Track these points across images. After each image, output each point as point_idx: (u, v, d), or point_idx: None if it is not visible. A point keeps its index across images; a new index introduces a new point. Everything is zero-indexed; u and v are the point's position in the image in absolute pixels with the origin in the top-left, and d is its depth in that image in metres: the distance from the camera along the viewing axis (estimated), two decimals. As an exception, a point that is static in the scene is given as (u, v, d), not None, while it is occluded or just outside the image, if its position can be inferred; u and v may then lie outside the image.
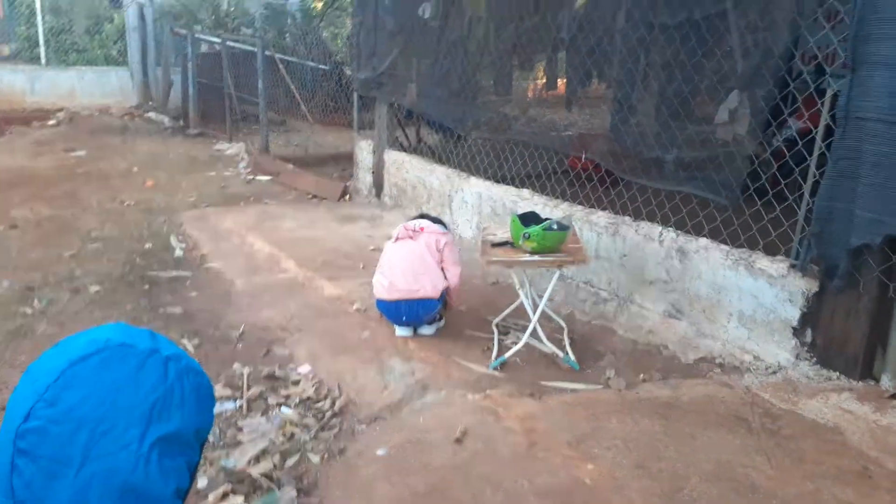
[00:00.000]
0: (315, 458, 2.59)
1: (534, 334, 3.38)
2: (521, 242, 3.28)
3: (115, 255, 4.91)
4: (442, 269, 3.55)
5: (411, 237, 3.62)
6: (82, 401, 0.73)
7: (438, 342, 3.54)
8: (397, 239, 3.68)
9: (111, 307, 3.98)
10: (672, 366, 3.34)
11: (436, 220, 3.81)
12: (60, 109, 12.14)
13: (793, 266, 3.23)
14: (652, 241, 3.85)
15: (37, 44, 13.23)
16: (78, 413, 0.72)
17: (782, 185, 3.51)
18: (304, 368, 3.31)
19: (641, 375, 3.22)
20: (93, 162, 8.21)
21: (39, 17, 13.13)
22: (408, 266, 3.51)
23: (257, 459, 2.57)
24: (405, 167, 6.22)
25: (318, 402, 3.03)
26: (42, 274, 4.47)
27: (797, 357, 3.22)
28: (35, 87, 12.67)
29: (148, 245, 5.15)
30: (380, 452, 2.61)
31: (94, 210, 6.12)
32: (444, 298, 3.56)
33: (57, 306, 3.97)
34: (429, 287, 3.45)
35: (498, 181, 5.18)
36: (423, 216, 3.88)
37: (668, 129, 3.90)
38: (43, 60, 13.15)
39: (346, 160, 8.15)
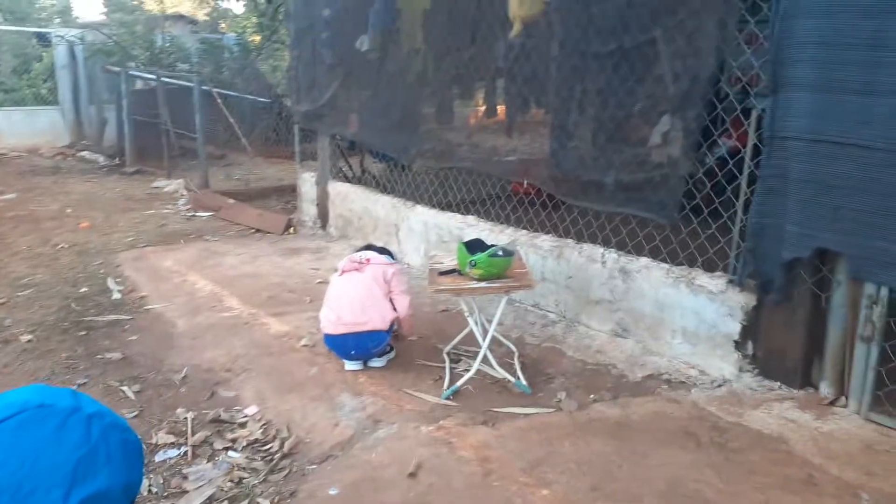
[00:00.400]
0: (265, 503, 2.50)
1: (485, 360, 3.37)
2: (467, 270, 3.28)
3: (48, 301, 4.70)
4: (391, 300, 3.52)
5: (357, 269, 3.59)
6: (1, 465, 0.70)
7: (389, 374, 3.50)
8: (343, 272, 3.64)
9: (45, 356, 3.80)
10: (621, 384, 3.37)
11: (383, 251, 3.80)
12: (-14, 151, 11.68)
13: (731, 281, 3.32)
14: (595, 262, 3.92)
15: (-39, 84, 12.74)
16: None
17: (716, 204, 3.63)
18: (251, 410, 3.21)
19: (592, 396, 3.24)
20: (22, 204, 7.90)
21: (-37, 57, 12.66)
22: (355, 298, 3.47)
23: (204, 508, 2.47)
24: (350, 198, 6.19)
25: (266, 444, 2.93)
26: (-33, 325, 4.24)
27: (740, 370, 3.30)
28: (-41, 129, 12.17)
29: (83, 289, 4.95)
30: (332, 492, 2.54)
31: (24, 255, 5.87)
32: (394, 330, 3.53)
33: (-16, 358, 3.77)
34: (377, 319, 3.42)
35: (443, 208, 5.20)
36: (369, 247, 3.85)
37: (605, 153, 3.99)
38: (-32, 101, 12.66)
39: (289, 192, 8.07)
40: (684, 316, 3.48)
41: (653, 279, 3.62)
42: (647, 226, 3.87)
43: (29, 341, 4.00)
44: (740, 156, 3.44)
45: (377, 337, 3.43)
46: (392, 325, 3.48)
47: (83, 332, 4.14)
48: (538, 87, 4.69)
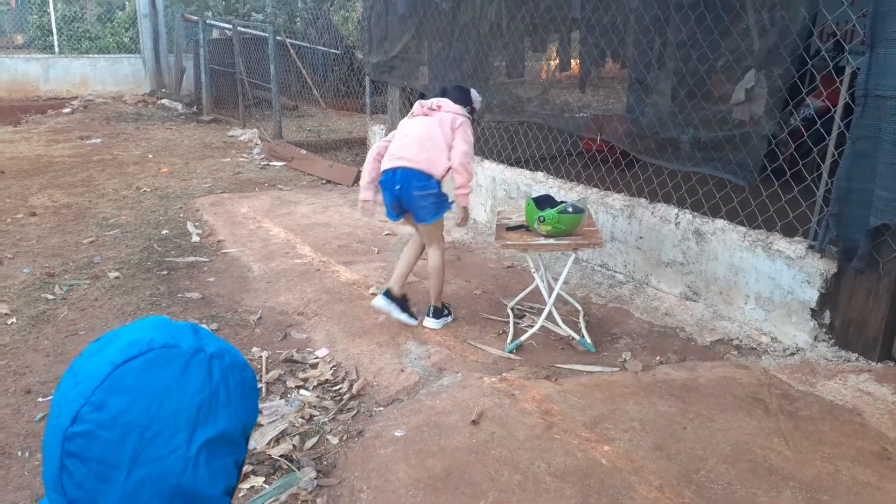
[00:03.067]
0: (334, 440, 2.62)
1: (549, 317, 3.38)
2: (536, 226, 3.27)
3: (133, 241, 4.95)
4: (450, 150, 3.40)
5: (426, 114, 3.49)
6: (129, 406, 0.72)
7: (454, 326, 3.56)
8: (412, 115, 3.55)
9: (130, 293, 4.03)
10: (689, 348, 3.33)
11: (460, 92, 3.62)
12: (75, 97, 12.22)
13: (811, 247, 3.20)
14: (668, 222, 3.83)
15: (49, 32, 13.30)
16: (125, 418, 0.72)
17: (800, 166, 3.47)
18: (322, 352, 3.34)
19: (658, 358, 3.22)
20: (108, 149, 8.27)
21: (52, 5, 13.17)
22: (414, 139, 3.39)
23: (277, 441, 2.60)
24: (418, 151, 6.20)
25: (336, 384, 3.05)
26: (62, 260, 4.53)
27: (815, 339, 3.20)
28: (49, 76, 12.75)
29: (165, 231, 5.19)
30: (397, 434, 2.63)
31: (110, 197, 6.17)
32: (440, 192, 3.42)
33: (77, 292, 4.03)
34: (430, 162, 3.34)
35: (512, 164, 5.16)
36: (444, 91, 3.64)
37: (685, 110, 3.86)
38: (56, 49, 13.22)
39: (359, 145, 8.16)
40: (759, 281, 3.38)
41: (728, 242, 3.52)
42: (724, 187, 3.74)
43: (116, 278, 4.24)
44: (829, 116, 3.27)
45: (424, 179, 3.34)
46: (443, 176, 3.40)
47: (165, 272, 4.36)
48: (616, 39, 4.55)
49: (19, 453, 2.56)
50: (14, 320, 3.64)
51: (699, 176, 3.87)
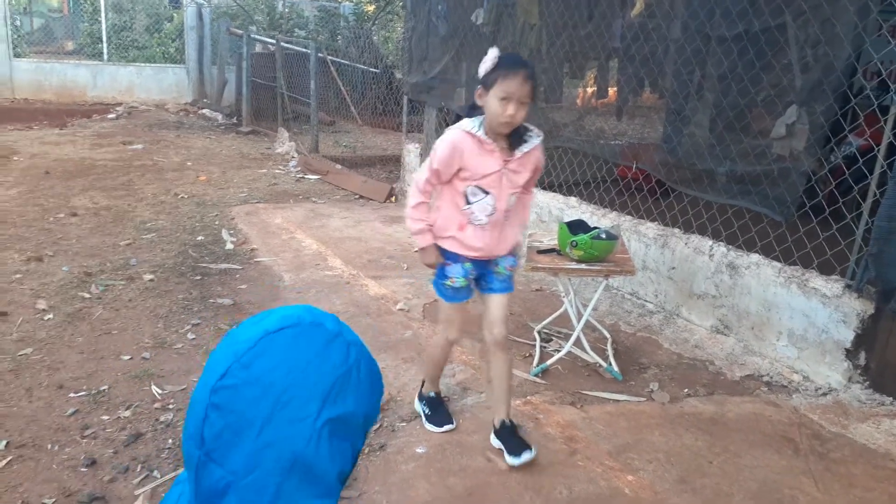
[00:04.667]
0: (356, 453, 2.62)
1: (577, 343, 3.36)
2: (567, 250, 3.27)
3: (169, 245, 5.05)
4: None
5: None
6: (273, 368, 0.78)
7: (480, 346, 3.55)
8: None
9: (164, 296, 4.10)
10: (718, 382, 3.28)
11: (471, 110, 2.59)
12: (119, 104, 12.57)
13: (848, 286, 3.14)
14: (702, 254, 3.80)
15: (99, 40, 13.73)
16: (268, 379, 0.77)
17: (840, 203, 3.42)
18: (348, 365, 3.36)
19: (686, 390, 3.18)
20: (149, 155, 8.47)
21: (103, 15, 13.61)
22: None
23: (301, 451, 2.62)
24: (452, 171, 6.24)
25: (360, 398, 3.06)
26: (99, 261, 4.63)
27: (849, 380, 3.13)
28: (97, 82, 13.14)
29: (200, 237, 5.29)
30: (419, 451, 2.63)
31: (149, 201, 6.31)
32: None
33: (113, 292, 4.11)
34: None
35: (545, 188, 5.17)
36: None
37: (723, 142, 3.84)
38: (105, 56, 13.64)
39: (393, 163, 8.24)
40: (793, 318, 3.33)
41: (762, 277, 3.48)
42: (760, 221, 3.70)
43: (151, 280, 4.33)
44: (871, 154, 3.22)
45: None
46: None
47: (198, 277, 4.44)
48: (655, 69, 4.56)
49: (49, 446, 2.60)
50: (51, 316, 3.72)
51: (735, 209, 3.84)
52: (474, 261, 2.51)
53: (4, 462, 2.49)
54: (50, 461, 2.52)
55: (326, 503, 0.80)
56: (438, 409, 2.82)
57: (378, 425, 2.84)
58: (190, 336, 3.60)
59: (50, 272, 4.38)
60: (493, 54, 2.31)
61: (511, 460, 2.49)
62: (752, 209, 3.68)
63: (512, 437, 2.56)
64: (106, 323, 3.70)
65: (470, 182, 2.38)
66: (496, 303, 2.57)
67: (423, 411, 2.83)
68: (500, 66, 2.26)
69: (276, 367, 0.78)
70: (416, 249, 2.57)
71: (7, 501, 2.30)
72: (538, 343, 3.56)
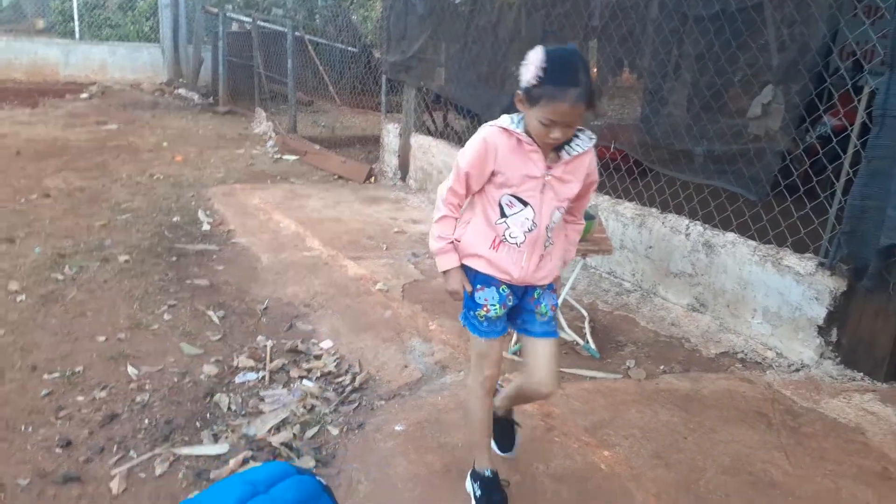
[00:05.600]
0: (334, 431, 2.63)
1: (555, 321, 3.37)
2: (546, 229, 3.26)
3: (144, 226, 4.99)
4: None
5: None
6: None
7: (458, 325, 3.55)
8: None
9: (139, 277, 4.05)
10: (693, 359, 3.32)
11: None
12: (93, 83, 12.31)
13: (821, 264, 3.19)
14: (679, 233, 3.83)
15: (71, 18, 13.42)
16: None
17: (814, 183, 3.46)
18: (326, 344, 3.35)
19: (662, 367, 3.21)
20: (124, 135, 8.32)
21: (75, -9, 13.29)
22: None
23: (278, 429, 2.61)
24: (431, 151, 6.22)
25: (338, 376, 3.06)
26: (73, 242, 4.56)
27: (821, 356, 3.19)
28: (69, 61, 12.86)
29: (176, 218, 5.22)
30: (398, 429, 2.64)
31: (124, 182, 6.21)
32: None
33: (87, 273, 4.05)
34: None
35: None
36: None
37: (700, 122, 3.86)
38: (77, 35, 13.33)
39: (372, 143, 8.18)
40: (767, 296, 3.37)
41: (738, 256, 3.52)
42: (736, 200, 3.74)
43: (126, 262, 4.27)
44: (845, 134, 3.26)
45: None
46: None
47: (174, 258, 4.38)
48: (633, 49, 4.55)
49: (23, 428, 2.57)
50: (23, 298, 3.66)
51: (711, 188, 3.87)
52: (511, 285, 2.05)
53: (-24, 445, 2.45)
54: (24, 442, 2.49)
55: None
56: (493, 494, 2.19)
57: (357, 404, 2.84)
58: (166, 317, 3.56)
59: (22, 254, 4.30)
60: (537, 60, 1.79)
61: (498, 451, 2.41)
62: (728, 188, 3.71)
63: (506, 433, 2.42)
64: (80, 304, 3.65)
65: (506, 190, 1.94)
66: (544, 352, 2.08)
67: (474, 493, 2.22)
68: (547, 82, 1.76)
69: None
70: (440, 272, 2.08)
71: (-21, 483, 2.27)
72: (517, 322, 3.57)
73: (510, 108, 1.94)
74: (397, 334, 3.44)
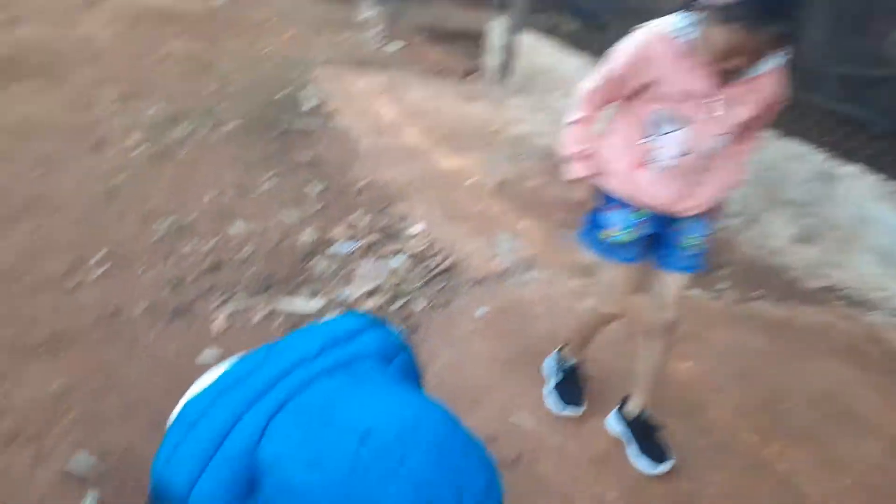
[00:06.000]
0: (420, 306, 2.72)
1: (650, 234, 3.29)
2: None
3: (252, 98, 5.11)
4: None
5: None
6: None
7: (549, 227, 3.54)
8: None
9: (245, 146, 4.19)
10: (792, 290, 3.19)
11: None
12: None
13: (954, 207, 2.94)
14: (797, 160, 3.59)
15: None
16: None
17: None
18: (418, 227, 3.41)
19: (757, 293, 3.11)
20: (234, 9, 8.42)
21: None
22: None
23: (368, 295, 2.72)
24: (538, 51, 6.00)
25: (427, 258, 3.13)
26: (184, 106, 4.74)
27: (934, 304, 3.00)
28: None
29: (282, 94, 5.32)
30: (480, 312, 2.70)
31: (233, 54, 6.34)
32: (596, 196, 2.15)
33: (198, 135, 4.23)
34: None
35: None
36: None
37: (838, 42, 3.52)
38: None
39: (477, 39, 7.96)
40: (884, 234, 3.16)
41: (858, 189, 3.28)
42: (864, 130, 3.45)
43: (234, 129, 4.42)
44: None
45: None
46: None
47: (279, 132, 4.50)
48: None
49: (138, 265, 2.79)
50: (140, 151, 3.88)
51: (840, 115, 3.57)
52: (652, 212, 1.78)
53: (101, 271, 2.69)
54: (138, 278, 2.71)
55: None
56: (569, 385, 2.21)
57: (443, 285, 2.91)
58: (269, 185, 3.70)
59: (140, 111, 4.52)
60: None
61: (647, 468, 2.00)
62: (857, 117, 3.42)
63: (648, 439, 2.05)
64: (190, 163, 3.83)
65: (658, 106, 1.65)
66: (675, 281, 1.90)
67: (551, 377, 2.25)
68: (745, 5, 1.43)
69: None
70: (568, 179, 1.84)
71: (101, 307, 2.50)
72: (609, 230, 3.51)
73: (687, 5, 1.59)
74: (487, 228, 3.46)
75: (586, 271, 3.10)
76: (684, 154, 1.67)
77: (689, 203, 1.76)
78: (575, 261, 3.19)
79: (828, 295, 3.16)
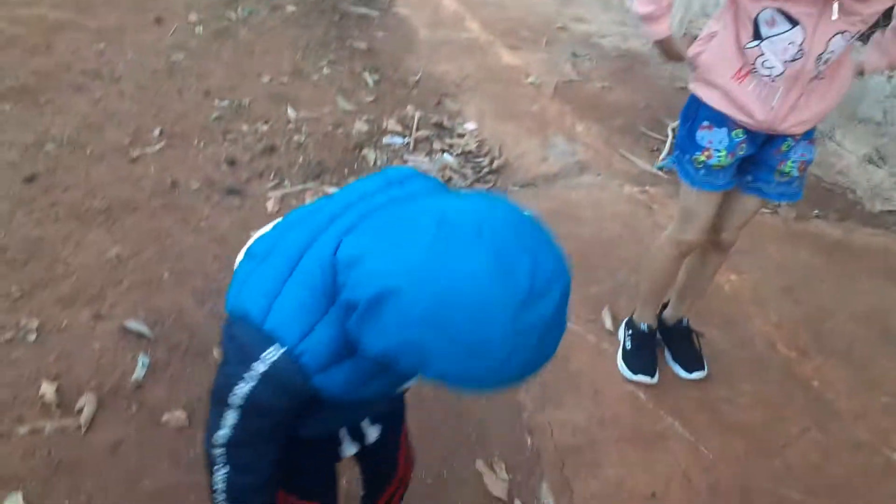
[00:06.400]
0: (468, 202, 2.72)
1: (711, 144, 3.17)
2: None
3: (311, -18, 5.00)
4: None
5: None
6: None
7: (607, 133, 3.45)
8: None
9: (304, 29, 4.14)
10: (853, 211, 3.07)
11: None
12: None
13: None
14: (878, 74, 3.36)
15: None
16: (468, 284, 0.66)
17: None
18: (470, 125, 3.37)
19: (816, 211, 3.01)
20: None
21: None
22: None
23: (417, 188, 2.74)
24: (614, -54, 5.63)
25: (478, 157, 3.11)
26: (245, -14, 4.67)
27: None
28: None
29: (341, -21, 5.18)
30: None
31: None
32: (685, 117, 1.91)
33: (257, 17, 4.19)
34: None
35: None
36: None
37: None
38: None
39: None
40: (964, 160, 2.98)
41: (944, 109, 3.07)
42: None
43: (293, 12, 4.36)
44: None
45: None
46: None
47: (337, 18, 4.42)
48: None
49: (195, 141, 2.86)
50: (200, 29, 3.88)
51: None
52: (750, 130, 1.62)
53: (159, 146, 2.77)
54: (196, 154, 2.78)
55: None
56: (643, 350, 2.04)
57: (492, 184, 2.90)
58: (326, 71, 3.68)
59: (200, -11, 4.48)
60: None
61: (680, 373, 2.03)
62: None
63: (683, 346, 2.04)
64: (249, 44, 3.82)
65: (770, 1, 1.43)
66: (749, 206, 1.77)
67: (625, 344, 2.08)
68: None
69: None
70: (652, 43, 1.68)
71: (159, 179, 2.59)
72: (670, 139, 3.40)
73: None
74: (541, 129, 3.39)
75: (640, 179, 3.05)
76: (794, 59, 1.46)
77: (800, 118, 1.56)
78: (630, 168, 3.13)
79: (890, 218, 3.04)
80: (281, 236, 0.83)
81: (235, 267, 0.86)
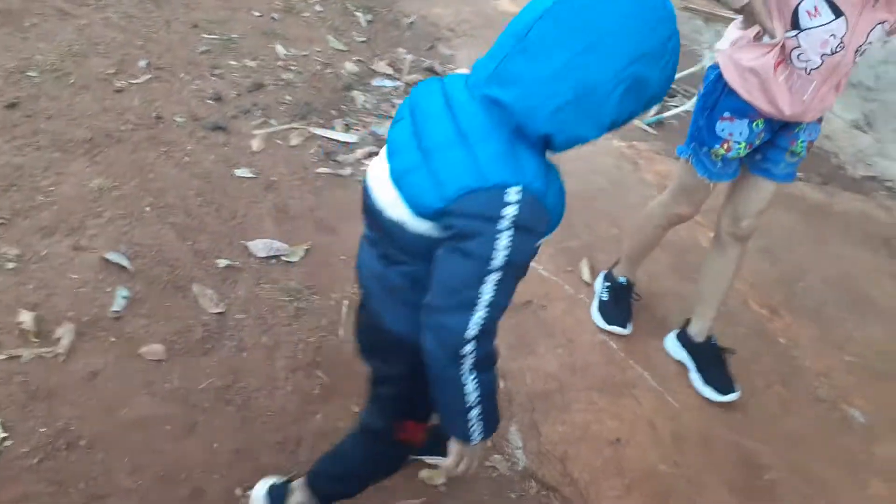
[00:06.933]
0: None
1: (701, 102, 3.17)
2: (725, -4, 2.91)
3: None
4: None
5: None
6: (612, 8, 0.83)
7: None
8: None
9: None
10: (836, 175, 3.11)
11: None
12: None
13: None
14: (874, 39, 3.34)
15: None
16: (605, 15, 0.83)
17: None
18: (464, 71, 3.33)
19: (799, 175, 3.03)
20: None
21: None
22: None
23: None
24: None
25: (468, 103, 3.08)
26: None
27: (982, 207, 2.90)
28: None
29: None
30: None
31: None
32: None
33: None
34: None
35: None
36: None
37: None
38: None
39: None
40: (949, 129, 3.00)
41: (934, 77, 3.07)
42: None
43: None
44: None
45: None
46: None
47: (331, -47, 4.30)
48: None
49: (182, 75, 2.81)
50: (189, -42, 3.76)
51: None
52: (769, 120, 1.60)
53: (145, 79, 2.72)
54: (182, 87, 2.74)
55: (592, 135, 0.89)
56: (619, 303, 2.07)
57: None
58: (318, 8, 3.60)
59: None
60: None
61: (712, 397, 1.89)
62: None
63: (715, 368, 1.92)
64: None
65: None
66: (764, 191, 1.74)
67: (601, 296, 2.10)
68: None
69: (616, 9, 0.82)
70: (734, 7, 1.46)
71: (144, 111, 2.56)
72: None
73: None
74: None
75: (628, 134, 3.05)
76: (833, 52, 1.43)
77: (822, 105, 1.55)
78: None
79: (871, 185, 3.08)
80: (421, 130, 0.93)
81: (387, 183, 0.95)
